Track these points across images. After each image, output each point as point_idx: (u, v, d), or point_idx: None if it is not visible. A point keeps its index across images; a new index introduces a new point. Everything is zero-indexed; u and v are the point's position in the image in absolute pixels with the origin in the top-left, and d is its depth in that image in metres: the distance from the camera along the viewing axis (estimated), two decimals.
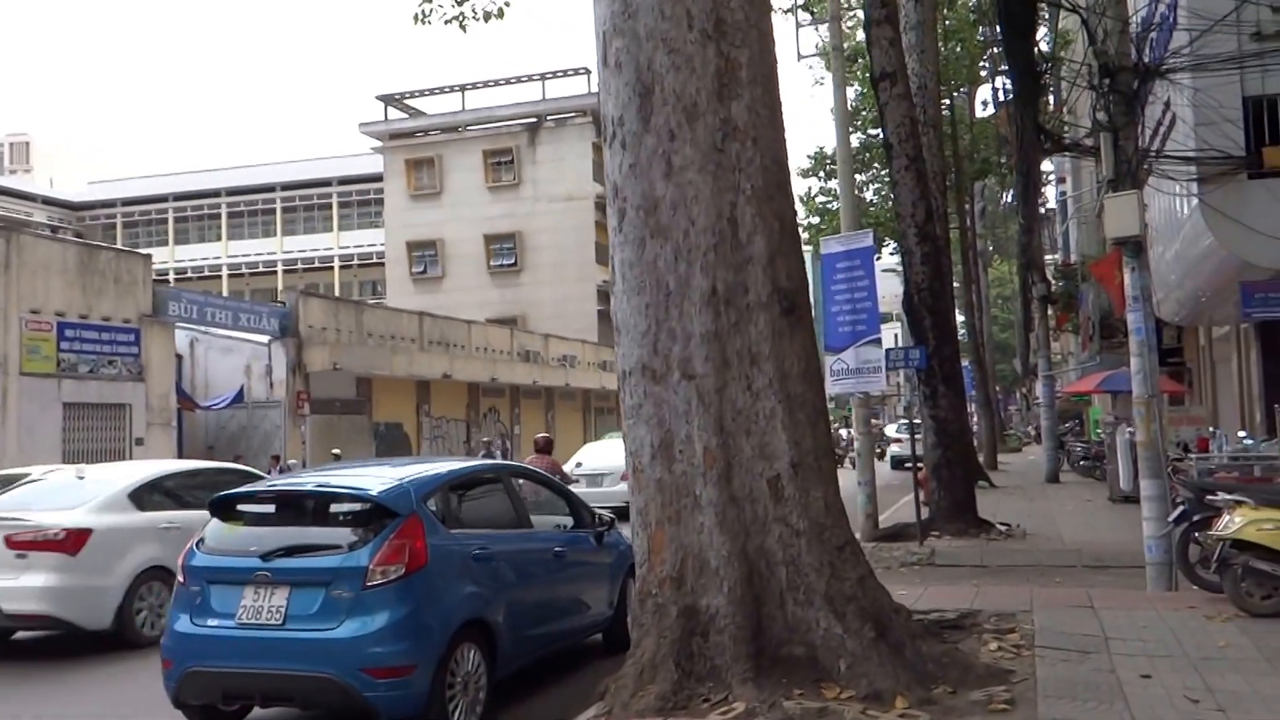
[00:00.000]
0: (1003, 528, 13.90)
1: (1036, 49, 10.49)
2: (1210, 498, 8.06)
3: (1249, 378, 18.72)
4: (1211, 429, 19.08)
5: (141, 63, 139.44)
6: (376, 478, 5.95)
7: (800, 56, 16.05)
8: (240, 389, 27.23)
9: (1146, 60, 9.76)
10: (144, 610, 8.92)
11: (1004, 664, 6.18)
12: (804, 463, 6.09)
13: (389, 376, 29.79)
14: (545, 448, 11.90)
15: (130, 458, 22.04)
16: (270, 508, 6.00)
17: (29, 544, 8.51)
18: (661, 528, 6.15)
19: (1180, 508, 8.61)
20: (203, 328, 26.64)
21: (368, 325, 30.46)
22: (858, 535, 14.04)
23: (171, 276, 57.03)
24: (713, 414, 6.07)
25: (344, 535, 5.60)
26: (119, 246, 42.66)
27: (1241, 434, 15.74)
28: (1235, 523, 7.59)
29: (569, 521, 7.60)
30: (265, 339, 27.40)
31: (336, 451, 24.26)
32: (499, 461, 8.94)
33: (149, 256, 25.96)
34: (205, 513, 6.08)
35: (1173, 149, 12.15)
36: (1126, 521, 14.21)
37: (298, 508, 5.95)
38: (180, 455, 26.32)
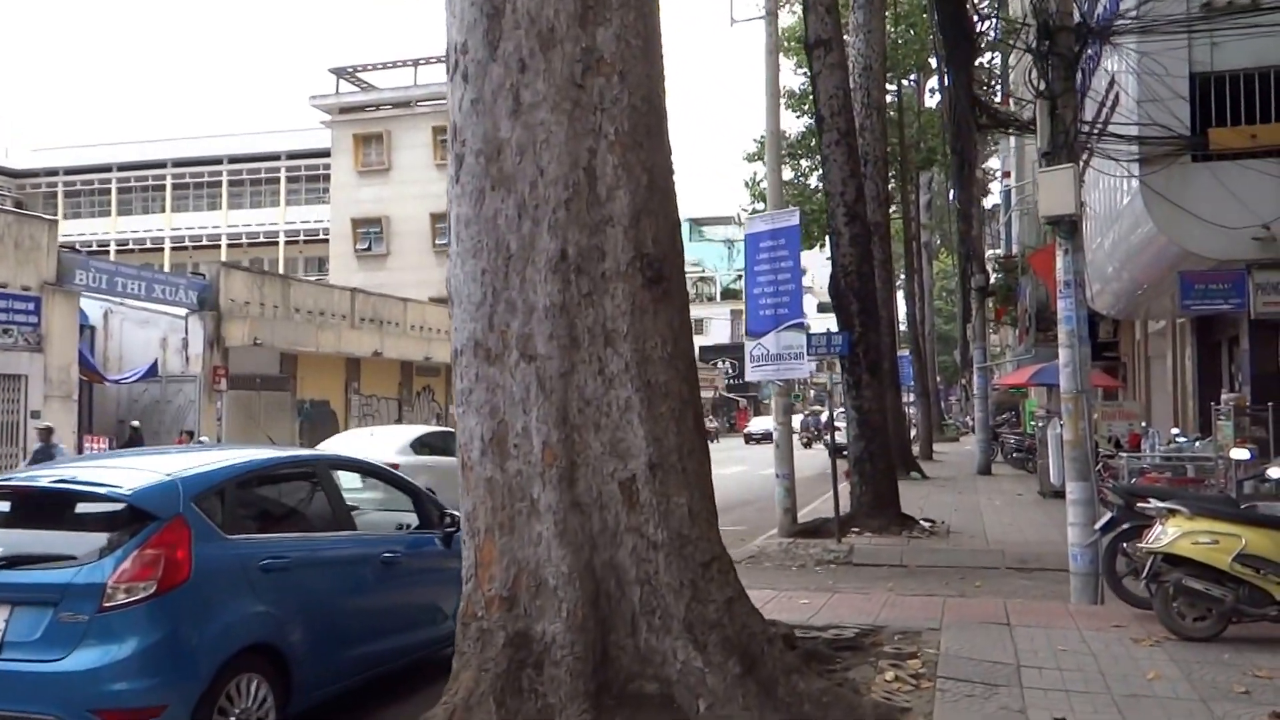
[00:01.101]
0: (926, 524, 13.15)
1: (970, 5, 9.58)
2: (1141, 504, 7.25)
3: (1183, 374, 18.20)
4: (1144, 424, 18.60)
5: (93, 30, 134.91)
6: (139, 471, 4.87)
7: (733, 21, 14.83)
8: (154, 363, 25.79)
9: (1089, 21, 8.91)
10: None
11: (898, 699, 5.30)
12: (665, 463, 5.14)
13: (316, 353, 28.46)
14: None
15: (25, 431, 20.71)
16: (1, 507, 4.91)
17: None
18: (491, 537, 5.18)
19: (1108, 515, 7.81)
20: (115, 299, 25.15)
21: (295, 300, 29.06)
22: (774, 531, 13.32)
23: (113, 248, 54.83)
24: (556, 402, 5.10)
25: (85, 543, 4.52)
26: (31, 213, 40.65)
27: (1174, 431, 15.16)
28: (1168, 534, 6.79)
29: (415, 520, 6.58)
30: (183, 312, 25.99)
31: (135, 424, 22.90)
32: (313, 452, 7.80)
33: (55, 222, 24.42)
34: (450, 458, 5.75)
35: (1115, 129, 11.37)
36: (1055, 519, 13.53)
37: (34, 508, 4.86)
38: (89, 430, 24.92)
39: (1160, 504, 7.05)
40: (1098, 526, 7.90)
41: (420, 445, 15.49)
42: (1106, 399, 21.08)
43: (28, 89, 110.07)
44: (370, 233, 47.21)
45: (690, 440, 5.36)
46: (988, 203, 47.18)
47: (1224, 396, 10.58)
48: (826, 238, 29.48)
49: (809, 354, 12.36)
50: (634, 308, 5.24)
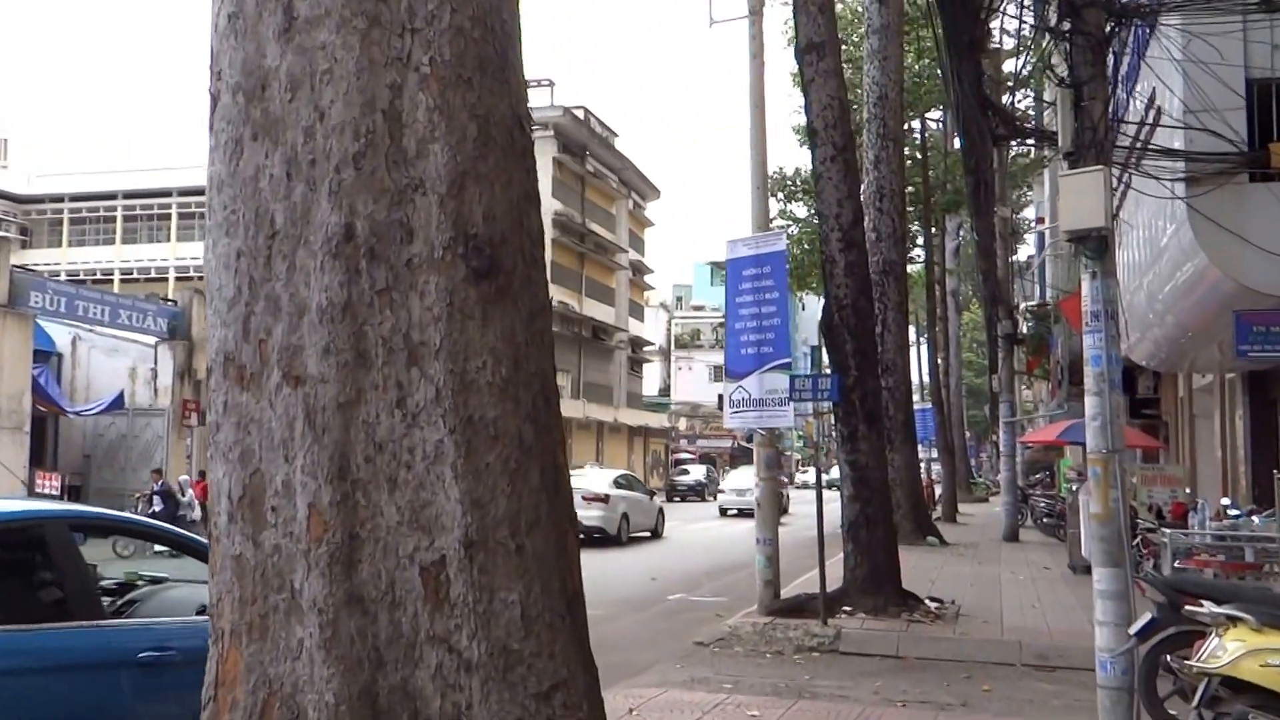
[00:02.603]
0: (932, 604, 11.28)
1: None
2: (1191, 607, 5.46)
3: (1233, 435, 16.26)
4: (1187, 491, 16.64)
5: (111, 57, 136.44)
6: None
7: (712, 22, 13.32)
8: (120, 394, 24.44)
9: None
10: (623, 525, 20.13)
11: None
12: (490, 539, 3.45)
13: None
14: None
15: None
16: None
17: (590, 498, 19.58)
18: (236, 643, 3.49)
19: (1147, 616, 6.00)
20: (77, 324, 23.90)
21: None
22: (754, 607, 11.52)
23: (116, 277, 54.27)
24: (331, 446, 3.44)
25: None
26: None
27: (1224, 502, 13.26)
28: (1228, 650, 5.00)
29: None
30: (153, 340, 24.68)
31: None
32: (43, 507, 6.04)
33: (6, 239, 23.25)
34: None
35: (1156, 145, 9.67)
36: (1086, 600, 11.59)
37: None
38: (54, 465, 23.56)
39: (1217, 609, 5.25)
40: (1134, 630, 6.08)
41: (619, 482, 21.91)
42: (1146, 461, 19.10)
43: (27, 113, 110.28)
44: None
45: (534, 506, 3.64)
46: (1022, 254, 45.44)
47: None
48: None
49: (791, 399, 10.65)
50: (453, 311, 3.55)
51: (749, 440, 57.38)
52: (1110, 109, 7.15)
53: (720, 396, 10.88)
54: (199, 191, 56.23)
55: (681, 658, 9.40)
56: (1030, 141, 11.12)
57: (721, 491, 35.14)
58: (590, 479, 21.54)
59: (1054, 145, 8.58)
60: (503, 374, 3.58)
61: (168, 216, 57.89)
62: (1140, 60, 10.79)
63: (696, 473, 45.31)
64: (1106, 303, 6.80)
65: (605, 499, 20.64)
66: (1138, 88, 11.06)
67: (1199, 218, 9.20)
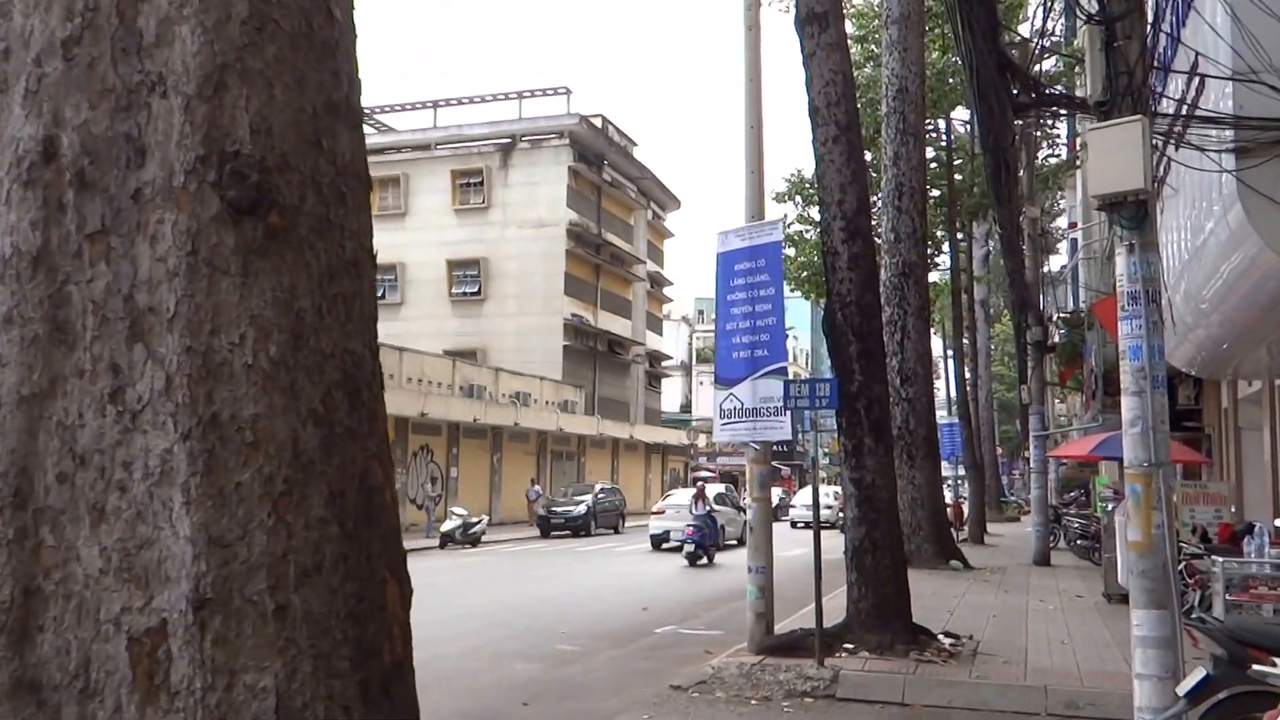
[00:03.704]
0: (947, 641, 9.96)
1: None
2: (1261, 666, 4.17)
3: None
4: (1233, 509, 15.16)
5: None
6: None
7: None
8: None
9: None
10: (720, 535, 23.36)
11: None
12: (233, 597, 2.23)
13: None
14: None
15: None
16: None
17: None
18: None
19: (1201, 673, 4.71)
20: None
21: None
22: (744, 645, 10.25)
23: None
24: (4, 459, 2.24)
25: None
26: None
27: (1279, 523, 11.83)
28: None
29: None
30: None
31: None
32: None
33: None
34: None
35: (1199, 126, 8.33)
36: (1122, 635, 10.28)
37: None
38: None
39: None
40: (1184, 691, 4.79)
41: (719, 499, 25.99)
42: (1186, 478, 17.62)
43: None
44: (384, 280, 45.22)
45: (312, 546, 2.42)
46: (1055, 262, 43.83)
47: None
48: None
49: (785, 407, 9.41)
50: (197, 263, 2.34)
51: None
52: (1149, 48, 5.87)
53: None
54: None
55: (652, 705, 8.16)
56: (1060, 111, 9.79)
57: (793, 507, 40.42)
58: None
59: (1086, 114, 7.31)
60: (271, 354, 2.34)
61: None
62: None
63: (715, 491, 43.91)
64: (1147, 282, 5.53)
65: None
66: (1183, 31, 9.75)
67: (1251, 194, 7.85)
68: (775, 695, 8.44)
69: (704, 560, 21.12)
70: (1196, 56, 9.40)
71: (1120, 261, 5.64)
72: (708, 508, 22.55)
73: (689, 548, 21.29)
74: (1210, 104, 8.24)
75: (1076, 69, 18.03)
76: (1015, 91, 8.13)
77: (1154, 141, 7.25)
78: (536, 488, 34.54)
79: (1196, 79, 9.10)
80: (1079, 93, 12.27)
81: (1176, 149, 8.32)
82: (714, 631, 11.98)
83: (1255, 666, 4.20)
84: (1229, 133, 7.87)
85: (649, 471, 51.02)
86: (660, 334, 55.29)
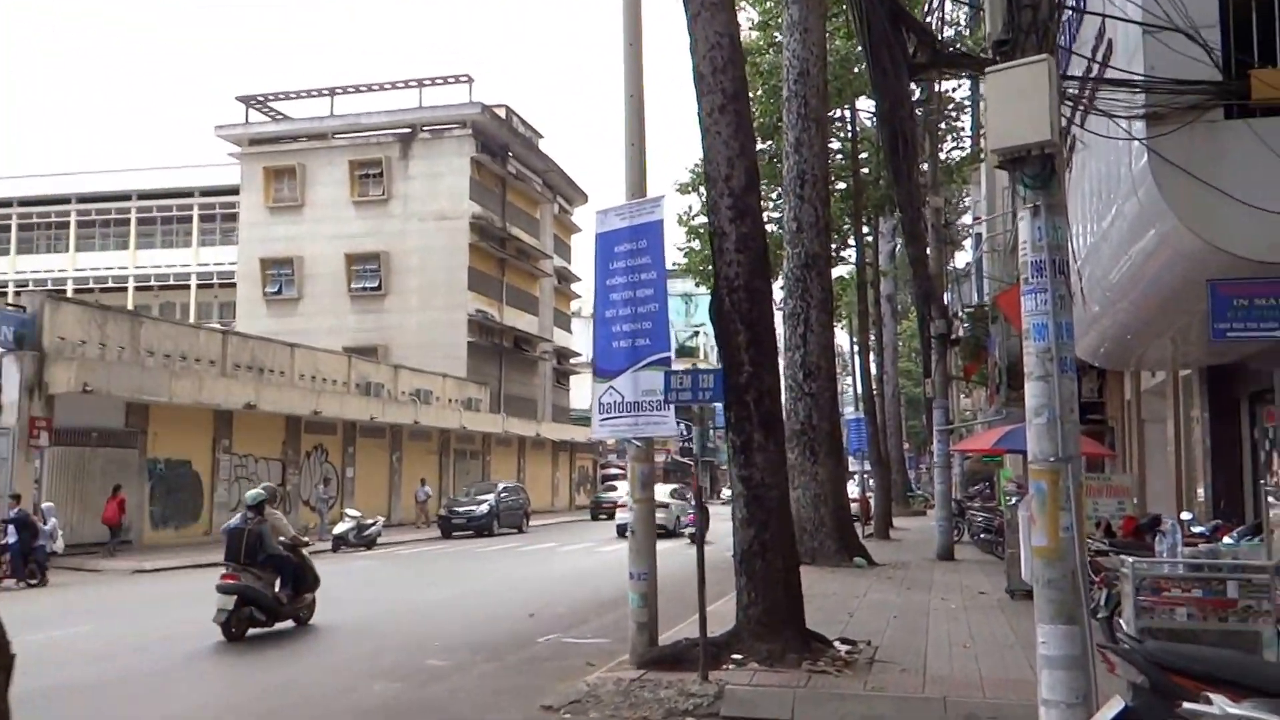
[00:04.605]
0: (843, 648, 9.25)
1: None
2: (1192, 705, 3.45)
3: (1189, 441, 14.51)
4: (1135, 501, 14.89)
5: None
6: None
7: None
8: None
9: None
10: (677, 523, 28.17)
11: None
12: None
13: (171, 404, 24.38)
14: None
15: None
16: None
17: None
18: None
19: (1119, 705, 3.97)
20: None
21: (147, 341, 25.08)
22: (626, 657, 9.42)
23: (10, 289, 50.73)
24: None
25: None
26: None
27: (1186, 517, 11.48)
28: None
29: None
30: None
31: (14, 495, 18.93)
32: None
33: None
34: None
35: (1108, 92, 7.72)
36: (1027, 636, 9.70)
37: None
38: None
39: (1233, 710, 3.24)
40: None
41: (674, 493, 30.22)
42: (1089, 471, 17.33)
43: None
44: (280, 274, 43.45)
45: None
46: (960, 259, 44.02)
47: None
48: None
49: (666, 401, 8.59)
50: None
51: (684, 455, 54.36)
52: None
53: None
54: (99, 199, 52.89)
55: None
56: (961, 73, 9.14)
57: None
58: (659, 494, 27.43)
59: (981, 72, 6.60)
60: None
61: (66, 225, 54.32)
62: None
63: (625, 489, 43.13)
64: (1053, 250, 4.82)
65: (666, 505, 27.69)
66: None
67: (1164, 165, 7.29)
68: (654, 714, 7.62)
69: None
70: (1102, 37, 8.86)
71: (1023, 227, 4.92)
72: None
73: (690, 531, 23.16)
74: (1121, 63, 7.66)
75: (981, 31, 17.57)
76: (912, 51, 7.43)
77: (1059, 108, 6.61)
78: (426, 488, 33.25)
79: (1105, 42, 8.55)
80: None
81: (1084, 118, 7.72)
82: (600, 640, 11.13)
83: (1186, 705, 3.48)
84: (1140, 97, 7.30)
85: (556, 470, 49.98)
86: (569, 331, 54.26)
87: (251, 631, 11.49)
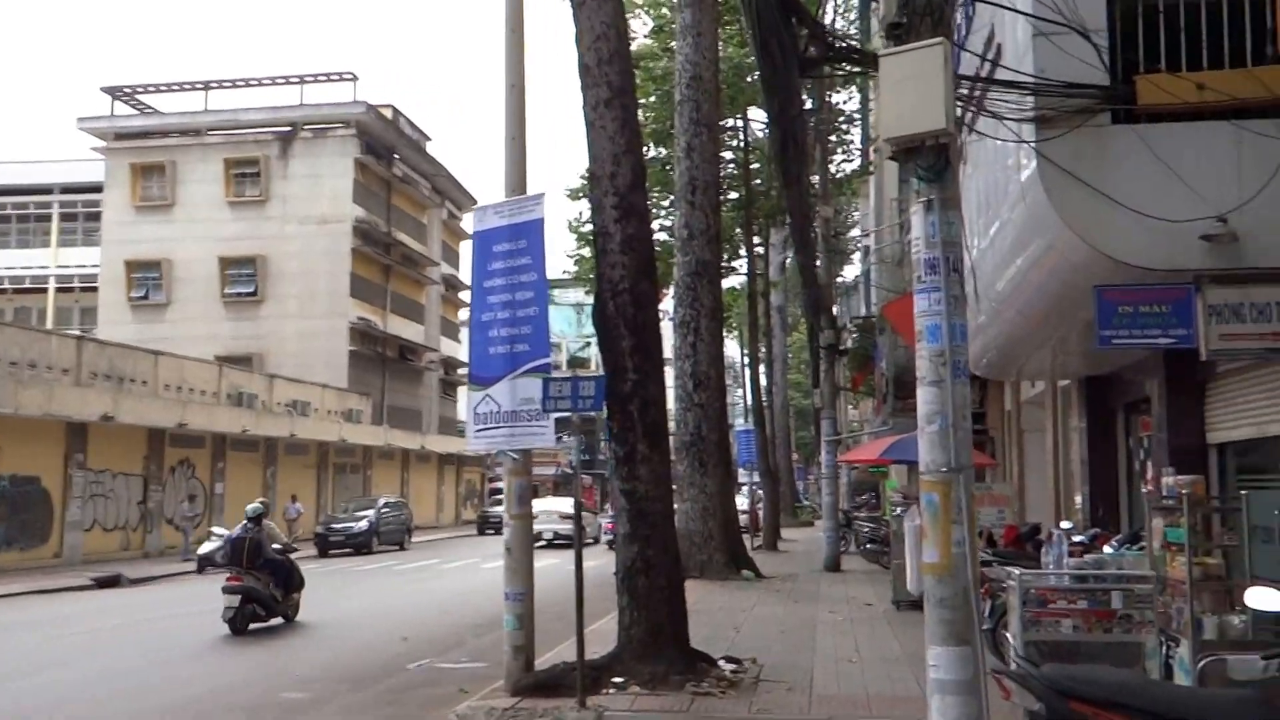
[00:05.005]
0: (728, 667, 8.91)
1: None
2: None
3: (1067, 450, 14.69)
4: (1014, 510, 15.02)
5: None
6: None
7: None
8: None
9: None
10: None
11: None
12: None
13: (18, 415, 22.65)
14: None
15: None
16: None
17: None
18: None
19: None
20: None
21: None
22: (501, 682, 8.84)
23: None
24: None
25: None
26: None
27: (1066, 525, 11.47)
28: None
29: None
30: None
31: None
32: None
33: None
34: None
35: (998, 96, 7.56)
36: (914, 649, 9.54)
37: None
38: None
39: None
40: None
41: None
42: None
43: None
44: (148, 278, 41.41)
45: None
46: (850, 273, 44.62)
47: (1168, 479, 6.78)
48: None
49: (544, 409, 8.11)
50: None
51: (565, 467, 53.67)
52: None
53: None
54: (11, 191, 49.26)
55: None
56: (853, 69, 8.93)
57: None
58: (562, 506, 29.50)
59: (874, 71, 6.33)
60: None
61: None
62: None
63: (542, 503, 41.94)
64: (948, 247, 4.51)
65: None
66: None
67: (1052, 170, 7.15)
68: None
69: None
70: (992, 40, 8.76)
71: (916, 222, 4.62)
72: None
73: (610, 539, 22.70)
74: (1011, 65, 7.52)
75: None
76: (804, 47, 7.13)
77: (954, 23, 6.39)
78: (297, 505, 31.89)
79: (994, 45, 8.43)
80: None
81: (974, 119, 7.57)
82: (477, 664, 10.52)
83: None
84: (1029, 100, 7.15)
85: (442, 484, 48.80)
86: (457, 340, 53.06)
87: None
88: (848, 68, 8.28)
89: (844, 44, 8.05)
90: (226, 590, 13.17)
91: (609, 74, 9.05)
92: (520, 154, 9.16)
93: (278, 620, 13.77)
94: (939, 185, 4.49)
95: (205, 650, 11.91)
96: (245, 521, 14.14)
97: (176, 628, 14.00)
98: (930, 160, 4.48)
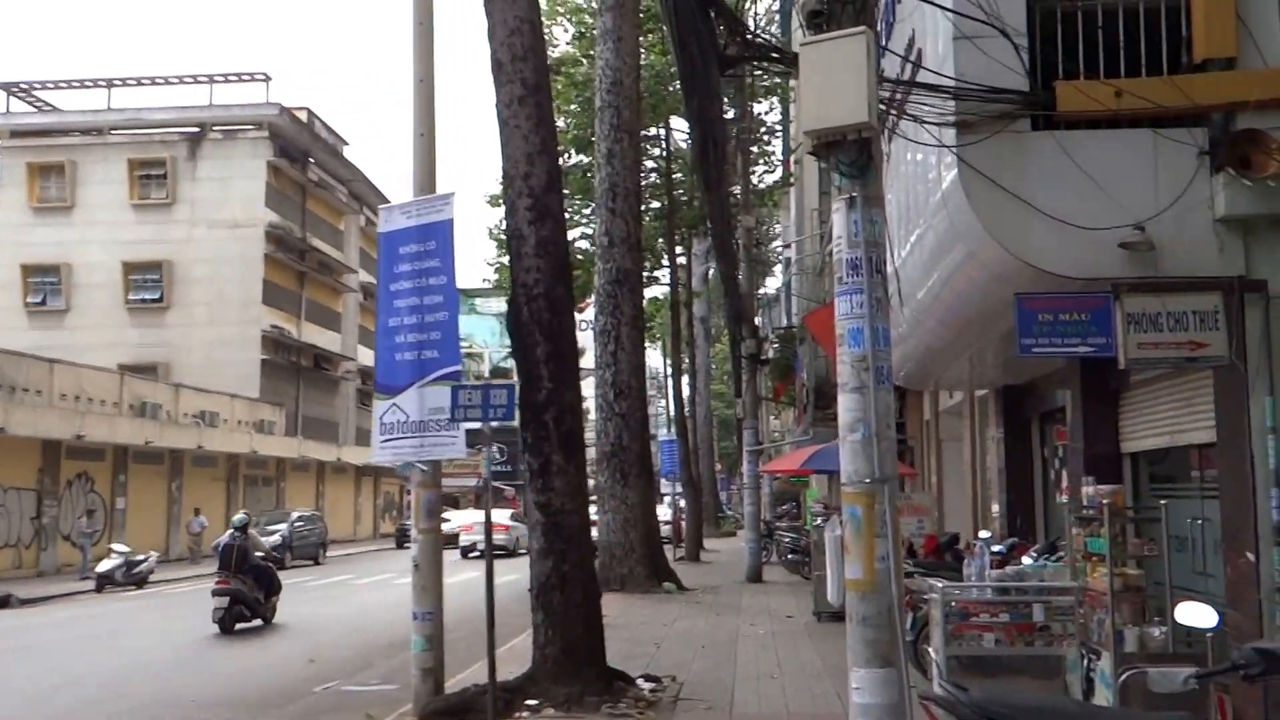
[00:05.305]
0: (646, 686, 8.63)
1: None
2: None
3: (984, 460, 14.76)
4: (933, 519, 15.04)
5: None
6: None
7: None
8: None
9: None
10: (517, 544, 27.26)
11: None
12: None
13: None
14: None
15: None
16: None
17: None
18: None
19: None
20: None
21: None
22: (409, 706, 8.40)
23: None
24: None
25: None
26: None
27: (984, 535, 11.45)
28: None
29: None
30: None
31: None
32: None
33: None
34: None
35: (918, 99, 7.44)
36: (835, 663, 9.37)
37: None
38: None
39: None
40: None
41: (514, 519, 31.10)
42: None
43: None
44: (45, 283, 39.76)
45: None
46: (771, 285, 44.86)
47: (1089, 489, 6.70)
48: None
49: (454, 419, 7.75)
50: None
51: (496, 478, 53.16)
52: None
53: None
54: None
55: None
56: (773, 67, 8.76)
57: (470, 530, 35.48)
58: (496, 517, 28.43)
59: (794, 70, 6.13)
60: None
61: None
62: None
63: (509, 513, 41.10)
64: (870, 247, 4.30)
65: (507, 528, 30.48)
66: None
67: (974, 176, 7.04)
68: None
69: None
70: (913, 45, 8.67)
71: (837, 221, 4.41)
72: None
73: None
74: (932, 65, 7.40)
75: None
76: (725, 46, 6.93)
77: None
78: (201, 519, 30.77)
79: (915, 50, 8.33)
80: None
81: (895, 125, 7.44)
82: (386, 687, 10.06)
83: None
84: (951, 103, 7.04)
85: (359, 496, 47.70)
86: (374, 348, 52.24)
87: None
88: (768, 67, 8.09)
89: (765, 40, 7.86)
90: (216, 593, 14.48)
91: (523, 71, 8.74)
92: (429, 151, 8.80)
93: (258, 621, 15.04)
94: (861, 181, 4.29)
95: (97, 677, 11.22)
96: (232, 530, 15.48)
97: (68, 652, 13.22)
98: (852, 155, 4.27)
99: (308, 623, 16.12)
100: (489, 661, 7.50)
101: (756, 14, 24.70)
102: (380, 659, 12.00)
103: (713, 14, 6.55)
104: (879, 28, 8.72)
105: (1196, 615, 4.32)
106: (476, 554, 28.83)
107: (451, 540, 34.91)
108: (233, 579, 14.61)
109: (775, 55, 6.95)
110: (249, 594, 14.76)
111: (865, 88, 4.13)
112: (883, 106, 6.96)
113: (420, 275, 8.47)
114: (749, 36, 6.97)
